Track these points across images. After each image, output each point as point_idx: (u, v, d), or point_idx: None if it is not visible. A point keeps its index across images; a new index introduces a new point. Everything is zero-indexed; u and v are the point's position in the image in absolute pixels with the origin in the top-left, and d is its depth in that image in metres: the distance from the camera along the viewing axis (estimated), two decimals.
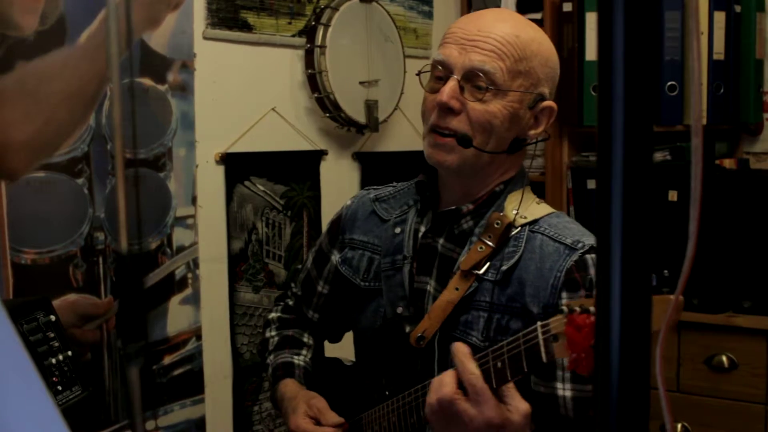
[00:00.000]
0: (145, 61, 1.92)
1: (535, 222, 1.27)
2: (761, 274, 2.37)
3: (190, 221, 2.05)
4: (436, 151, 1.27)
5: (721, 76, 2.51)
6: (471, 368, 1.09)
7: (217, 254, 2.13)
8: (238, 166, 2.17)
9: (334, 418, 1.38)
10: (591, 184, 2.67)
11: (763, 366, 2.30)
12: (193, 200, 2.06)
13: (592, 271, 1.19)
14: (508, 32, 1.24)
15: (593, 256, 1.20)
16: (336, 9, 2.31)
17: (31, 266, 1.71)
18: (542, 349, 1.04)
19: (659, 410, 0.57)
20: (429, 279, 1.32)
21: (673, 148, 2.56)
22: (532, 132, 1.30)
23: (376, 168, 2.57)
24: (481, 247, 1.25)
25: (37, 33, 1.70)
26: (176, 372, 2.03)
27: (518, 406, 1.09)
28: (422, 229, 1.36)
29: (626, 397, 0.50)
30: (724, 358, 2.36)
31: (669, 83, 2.49)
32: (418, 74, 1.33)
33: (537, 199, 1.32)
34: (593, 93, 2.61)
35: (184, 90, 2.02)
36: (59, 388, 1.38)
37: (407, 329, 1.30)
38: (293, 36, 2.30)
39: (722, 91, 2.51)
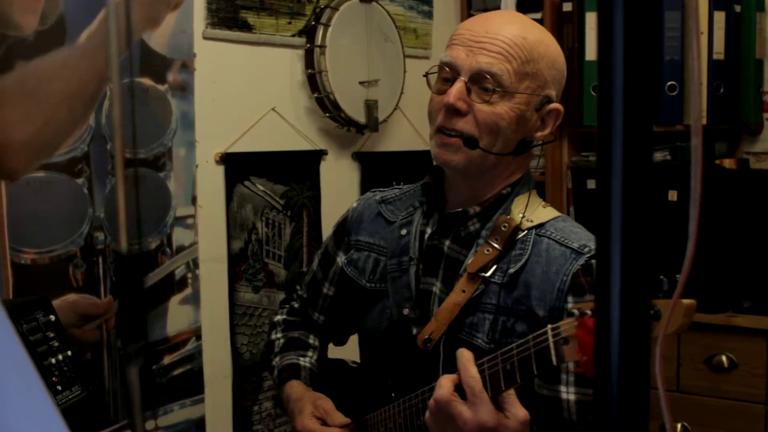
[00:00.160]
0: (145, 61, 1.92)
1: (541, 226, 1.27)
2: (761, 274, 2.37)
3: (190, 221, 2.05)
4: (443, 151, 1.27)
5: (721, 76, 2.51)
6: (472, 372, 1.10)
7: (217, 254, 2.13)
8: (238, 166, 2.17)
9: (340, 418, 1.38)
10: (591, 184, 2.67)
11: (763, 366, 2.30)
12: (193, 200, 2.06)
13: None
14: (516, 34, 1.24)
15: None
16: (336, 9, 2.30)
17: (31, 266, 1.71)
18: (552, 351, 1.04)
19: (659, 410, 0.57)
20: (435, 280, 1.32)
21: (673, 148, 2.56)
22: (539, 134, 1.30)
23: (376, 168, 2.57)
24: (488, 250, 1.25)
25: (37, 33, 1.70)
26: (176, 372, 2.03)
27: (516, 412, 1.09)
28: (428, 230, 1.36)
29: (626, 397, 0.49)
30: (724, 358, 2.36)
31: (669, 83, 2.49)
32: (426, 75, 1.33)
33: (543, 203, 1.33)
34: (593, 93, 2.61)
35: (184, 90, 2.02)
36: (59, 388, 1.38)
37: (414, 331, 1.30)
38: (293, 36, 2.30)
39: (722, 91, 2.51)
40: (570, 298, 1.20)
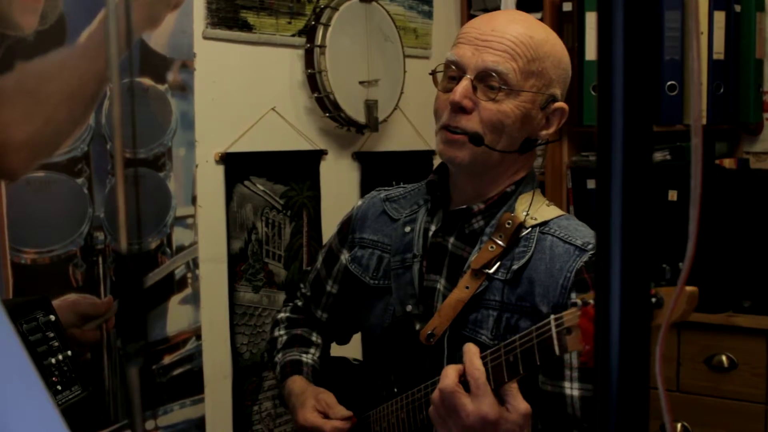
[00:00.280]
0: (145, 60, 1.92)
1: (545, 224, 1.28)
2: (761, 274, 2.37)
3: (189, 221, 2.05)
4: (448, 148, 1.28)
5: (721, 76, 2.51)
6: (476, 364, 1.11)
7: (216, 254, 2.13)
8: (238, 166, 2.17)
9: (342, 411, 1.39)
10: (591, 183, 2.67)
11: (763, 366, 2.30)
12: (193, 200, 2.06)
13: None
14: (522, 33, 1.25)
15: None
16: (336, 9, 2.30)
17: (30, 266, 1.71)
18: (555, 342, 1.05)
19: (659, 410, 0.57)
20: (439, 277, 1.33)
21: (673, 148, 2.56)
22: (544, 132, 1.31)
23: (375, 168, 2.57)
24: (492, 247, 1.26)
25: (37, 33, 1.70)
26: (176, 372, 2.03)
27: (517, 406, 1.10)
28: (432, 228, 1.37)
29: (626, 397, 0.49)
30: (724, 358, 2.36)
31: (669, 83, 2.49)
32: (432, 73, 1.34)
33: (547, 202, 1.34)
34: (593, 93, 2.61)
35: (184, 90, 2.02)
36: (59, 388, 1.38)
37: (417, 327, 1.31)
38: (293, 36, 2.29)
39: (722, 90, 2.51)
40: (573, 295, 1.21)
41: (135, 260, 0.68)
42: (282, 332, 1.61)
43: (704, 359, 2.39)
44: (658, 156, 2.56)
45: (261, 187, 2.23)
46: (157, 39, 1.94)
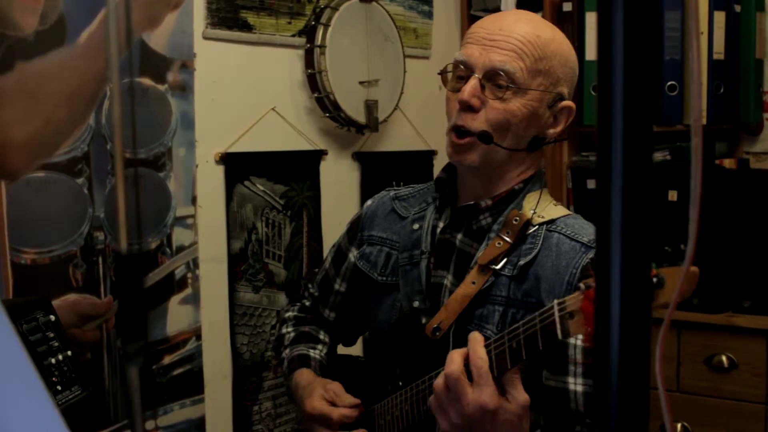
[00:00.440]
0: (145, 60, 1.92)
1: (552, 222, 1.30)
2: (761, 274, 2.37)
3: (189, 221, 2.05)
4: (456, 153, 1.30)
5: (721, 76, 2.51)
6: (480, 353, 1.13)
7: (216, 254, 2.13)
8: (238, 166, 2.17)
9: (350, 399, 1.40)
10: (591, 184, 2.67)
11: (763, 366, 2.30)
12: (193, 200, 2.06)
13: None
14: (529, 32, 1.27)
15: None
16: (336, 9, 2.30)
17: (30, 266, 1.71)
18: (558, 326, 1.06)
19: (659, 410, 0.57)
20: (446, 273, 1.34)
21: (673, 148, 2.56)
22: (551, 131, 1.33)
23: (375, 168, 2.57)
24: (499, 243, 1.28)
25: (37, 33, 1.70)
26: (176, 372, 2.02)
27: (517, 396, 1.12)
28: (440, 224, 1.38)
29: (626, 397, 0.49)
30: (724, 358, 2.36)
31: (669, 83, 2.49)
32: (440, 73, 1.36)
33: (554, 201, 1.36)
34: (593, 93, 2.61)
35: (184, 90, 2.02)
36: (59, 388, 1.38)
37: (423, 320, 1.32)
38: (293, 36, 2.29)
39: (722, 90, 2.51)
40: None
41: (135, 260, 0.68)
42: (290, 329, 1.63)
43: (704, 359, 2.39)
44: (658, 156, 2.56)
45: (261, 187, 2.23)
46: (157, 39, 1.94)
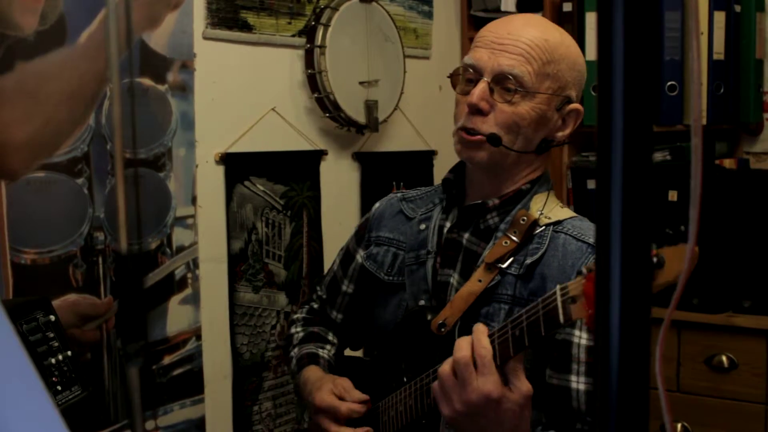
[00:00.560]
0: (145, 61, 1.92)
1: (559, 223, 1.31)
2: (761, 274, 2.37)
3: (189, 221, 2.05)
4: (465, 149, 1.32)
5: (721, 76, 2.51)
6: (484, 342, 1.14)
7: (216, 254, 2.13)
8: (238, 166, 2.17)
9: (358, 394, 1.42)
10: (591, 184, 2.67)
11: (763, 366, 2.30)
12: (193, 200, 2.06)
13: None
14: (537, 36, 1.29)
15: None
16: (336, 9, 2.30)
17: (30, 266, 1.71)
18: (560, 311, 1.07)
19: (659, 410, 0.57)
20: (452, 272, 1.36)
21: (673, 148, 2.56)
22: (560, 134, 1.35)
23: (375, 168, 2.57)
24: (506, 242, 1.29)
25: (37, 33, 1.70)
26: (176, 372, 2.02)
27: (520, 386, 1.13)
28: (447, 224, 1.40)
29: (626, 397, 0.49)
30: (724, 358, 2.36)
31: (669, 83, 2.49)
32: (450, 77, 1.37)
33: (561, 204, 1.37)
34: (593, 93, 2.61)
35: (184, 90, 2.02)
36: (59, 388, 1.38)
37: (428, 317, 1.33)
38: (293, 36, 2.29)
39: (722, 91, 2.51)
40: None
41: (135, 260, 0.68)
42: (299, 329, 1.65)
43: (704, 359, 2.39)
44: (658, 156, 2.56)
45: (261, 188, 2.23)
46: (157, 39, 1.94)
